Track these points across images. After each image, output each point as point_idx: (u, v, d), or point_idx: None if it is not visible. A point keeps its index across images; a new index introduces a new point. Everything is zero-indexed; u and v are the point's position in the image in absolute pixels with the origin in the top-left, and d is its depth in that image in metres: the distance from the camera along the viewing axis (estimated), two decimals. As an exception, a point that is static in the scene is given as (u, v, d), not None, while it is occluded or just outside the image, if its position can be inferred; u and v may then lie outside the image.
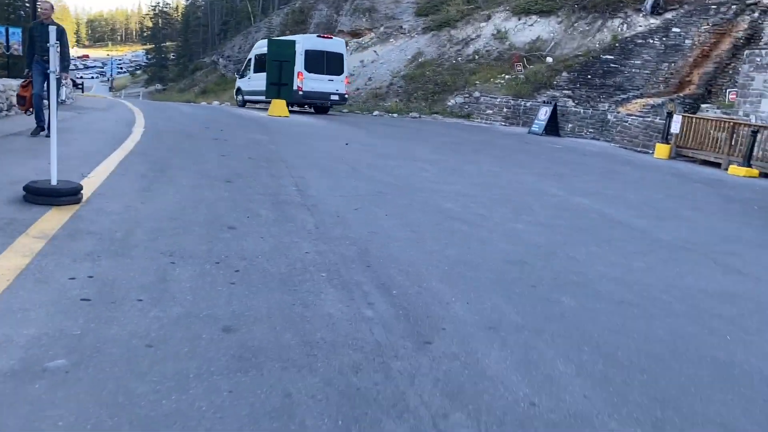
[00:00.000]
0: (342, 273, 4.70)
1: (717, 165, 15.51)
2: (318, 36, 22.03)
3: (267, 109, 20.23)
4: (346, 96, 22.59)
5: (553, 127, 20.39)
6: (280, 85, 19.48)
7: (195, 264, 4.56)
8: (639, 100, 23.01)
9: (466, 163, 12.07)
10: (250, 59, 24.61)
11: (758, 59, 16.52)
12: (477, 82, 25.99)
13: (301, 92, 20.66)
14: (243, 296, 4.04)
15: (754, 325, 4.43)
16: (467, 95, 25.69)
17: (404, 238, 5.89)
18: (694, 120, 16.51)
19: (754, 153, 14.40)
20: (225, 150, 10.44)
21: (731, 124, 15.29)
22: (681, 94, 22.51)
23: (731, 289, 5.23)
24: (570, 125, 20.88)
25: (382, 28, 35.75)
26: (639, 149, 17.94)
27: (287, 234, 5.62)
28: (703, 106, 18.43)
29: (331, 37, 23.43)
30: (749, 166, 14.22)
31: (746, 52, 17.19)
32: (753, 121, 16.44)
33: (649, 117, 18.18)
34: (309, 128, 16.31)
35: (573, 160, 14.56)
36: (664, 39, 24.37)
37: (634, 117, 18.45)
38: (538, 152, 15.46)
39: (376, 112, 25.83)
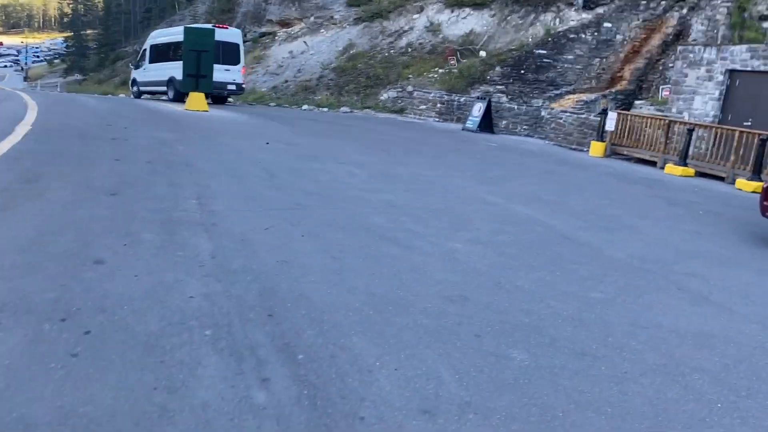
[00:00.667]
0: (234, 329, 3.60)
1: (653, 163, 15.17)
2: (213, 26, 20.85)
3: (185, 103, 18.67)
4: (243, 86, 22.34)
5: (487, 124, 19.75)
6: (198, 77, 17.95)
7: (29, 324, 3.36)
8: (571, 96, 22.68)
9: (398, 165, 11.09)
10: (145, 50, 23.77)
11: (691, 55, 16.29)
12: (410, 75, 25.13)
13: None
14: (83, 379, 2.89)
15: (743, 383, 3.61)
16: (400, 89, 24.79)
17: (322, 269, 4.83)
18: (629, 117, 16.15)
19: (690, 151, 14.07)
20: (121, 152, 9.05)
21: (666, 121, 14.96)
22: (613, 90, 22.31)
23: (705, 329, 4.43)
24: (504, 122, 20.31)
25: (312, 18, 34.35)
26: (574, 147, 17.49)
27: (172, 268, 4.46)
28: (636, 102, 18.18)
29: (227, 27, 23.02)
30: (685, 165, 13.89)
31: (679, 47, 16.97)
32: (686, 119, 16.22)
33: (583, 114, 17.76)
34: (228, 125, 14.96)
35: (509, 160, 13.85)
36: (595, 34, 24.16)
37: (568, 114, 18.00)
38: (474, 152, 14.68)
39: (305, 106, 24.56)
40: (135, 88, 24.58)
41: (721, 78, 15.49)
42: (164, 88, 21.87)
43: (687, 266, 6.06)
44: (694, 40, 21.61)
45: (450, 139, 17.02)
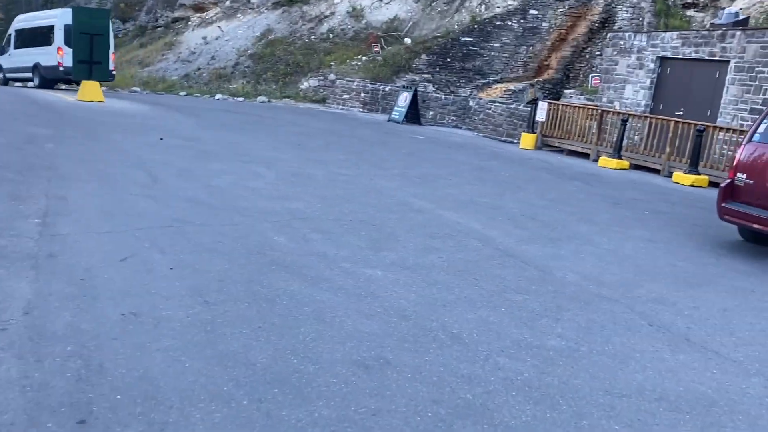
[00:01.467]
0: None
1: (585, 155, 14.44)
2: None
3: (77, 91, 16.57)
4: (113, 72, 19.77)
5: (414, 115, 18.63)
6: (91, 64, 15.90)
7: None
8: (499, 85, 21.90)
9: (315, 163, 9.73)
10: (10, 34, 22.33)
11: (621, 42, 15.66)
12: (332, 63, 23.69)
13: (62, 68, 19.01)
14: None
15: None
16: (322, 78, 23.32)
17: (185, 325, 3.45)
18: (560, 107, 15.38)
19: (624, 143, 13.38)
20: (-37, 154, 7.28)
21: (599, 111, 14.24)
22: (540, 79, 21.68)
23: (699, 390, 3.35)
24: (431, 112, 19.24)
25: (228, 2, 32.23)
26: (504, 138, 16.60)
27: (-53, 341, 2.98)
28: (566, 91, 17.49)
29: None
30: (620, 157, 13.19)
31: (609, 34, 16.34)
32: (617, 108, 15.60)
33: (512, 104, 16.89)
34: (121, 118, 13.13)
35: (438, 154, 12.73)
36: (522, 21, 23.47)
37: (497, 104, 17.09)
38: (400, 145, 13.49)
39: (218, 96, 22.70)
40: (1, 75, 22.61)
41: (652, 66, 14.91)
42: (29, 75, 20.67)
43: (651, 290, 5.03)
44: (620, 27, 21.21)
45: (374, 131, 15.76)
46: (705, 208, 9.46)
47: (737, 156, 6.89)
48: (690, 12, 19.62)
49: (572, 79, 21.66)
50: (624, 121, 13.18)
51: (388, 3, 25.77)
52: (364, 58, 23.64)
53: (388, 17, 25.39)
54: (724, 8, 18.67)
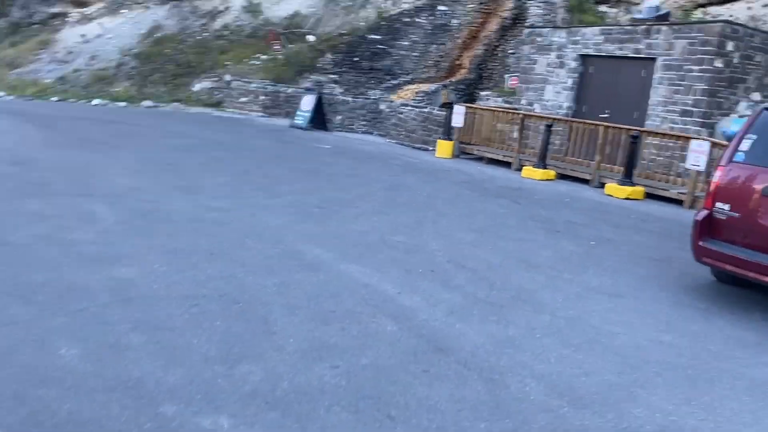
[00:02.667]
0: None
1: (507, 164, 12.93)
2: None
3: None
4: None
5: (319, 120, 16.63)
6: None
7: None
8: (411, 87, 20.23)
9: (181, 192, 7.55)
10: None
11: (540, 39, 14.29)
12: (228, 63, 21.26)
13: None
14: None
15: None
16: (217, 79, 20.86)
17: None
18: (477, 111, 13.80)
19: (549, 151, 11.94)
20: None
21: (520, 116, 12.75)
22: (453, 80, 20.20)
23: None
24: (339, 117, 17.28)
25: (112, -3, 28.92)
26: (418, 146, 14.90)
27: None
28: (482, 93, 16.02)
29: None
30: (545, 166, 11.74)
31: (526, 30, 14.95)
32: (538, 111, 14.22)
33: (425, 108, 15.22)
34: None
35: (344, 169, 10.80)
36: (431, 18, 21.92)
37: (410, 108, 15.37)
38: (299, 159, 11.46)
39: (96, 101, 19.73)
40: None
41: (573, 64, 13.61)
42: None
43: (649, 403, 3.30)
44: (532, 24, 20.05)
45: (272, 140, 13.62)
46: (654, 231, 8.03)
47: (715, 180, 5.36)
48: (603, 8, 18.67)
49: (486, 79, 20.32)
50: (548, 127, 11.74)
51: (288, -2, 23.54)
52: (263, 57, 21.36)
53: (288, 13, 23.18)
54: (637, 3, 17.82)
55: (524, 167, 12.08)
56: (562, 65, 13.82)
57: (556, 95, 13.94)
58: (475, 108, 13.83)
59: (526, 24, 20.26)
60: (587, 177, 11.54)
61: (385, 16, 22.06)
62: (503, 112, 13.27)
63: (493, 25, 20.93)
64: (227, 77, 20.31)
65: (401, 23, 21.87)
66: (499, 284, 5.10)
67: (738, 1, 14.59)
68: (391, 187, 9.33)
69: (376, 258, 5.48)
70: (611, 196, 10.52)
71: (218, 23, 23.49)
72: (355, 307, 4.25)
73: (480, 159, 13.68)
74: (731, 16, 14.42)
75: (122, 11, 27.71)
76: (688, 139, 10.31)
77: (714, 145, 9.93)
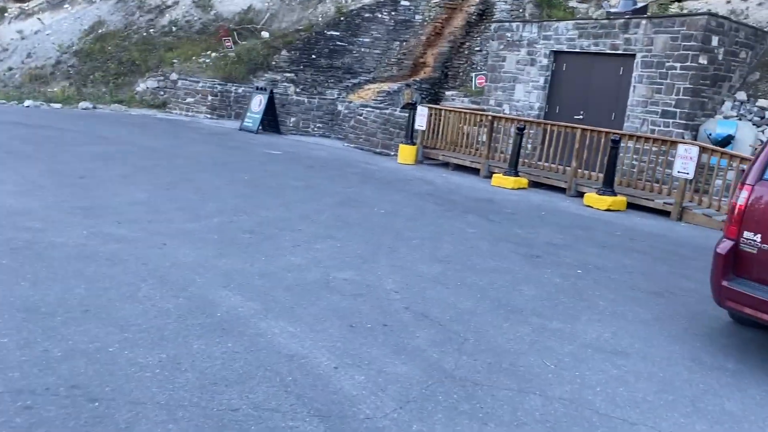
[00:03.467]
0: None
1: (475, 171, 11.78)
2: None
3: None
4: None
5: (271, 122, 15.25)
6: None
7: None
8: (372, 86, 18.98)
9: (79, 214, 6.14)
10: None
11: (509, 35, 13.17)
12: (175, 60, 19.69)
13: None
14: None
15: None
16: (162, 78, 19.27)
17: None
18: (442, 113, 12.60)
19: (521, 156, 10.81)
20: None
21: (489, 118, 11.58)
22: (417, 79, 19.00)
23: None
24: (293, 119, 15.90)
25: (54, -9, 26.96)
26: (379, 150, 13.64)
27: None
28: (447, 93, 14.83)
29: None
30: (516, 174, 10.60)
31: (494, 25, 13.79)
32: (507, 112, 13.11)
33: (387, 108, 13.96)
34: None
35: (292, 179, 9.48)
36: (393, 13, 20.70)
37: (370, 109, 14.09)
38: (243, 166, 10.09)
39: (28, 102, 17.92)
40: None
41: (545, 61, 12.52)
42: None
43: None
44: (500, 19, 19.00)
45: (216, 145, 12.20)
46: (645, 252, 6.92)
47: (740, 203, 4.22)
48: (573, 3, 17.70)
49: (452, 78, 19.18)
50: (520, 130, 10.60)
51: (241, -9, 22.02)
52: (214, 54, 19.84)
53: (241, 8, 21.67)
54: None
55: (494, 175, 10.93)
56: (533, 63, 12.72)
57: (526, 95, 12.83)
58: (440, 109, 12.64)
59: (493, 19, 19.22)
60: (563, 185, 10.45)
61: (345, 11, 20.76)
62: (470, 113, 12.09)
63: (459, 20, 19.80)
64: (173, 76, 18.74)
65: (362, 19, 20.61)
66: (471, 345, 3.87)
67: (715, -5, 13.69)
68: (343, 201, 8.04)
69: (312, 308, 4.20)
70: (590, 207, 9.43)
71: (166, 19, 21.84)
72: (269, 401, 2.96)
73: (446, 165, 12.50)
74: (709, 11, 13.52)
75: (65, 6, 25.82)
76: (674, 143, 9.28)
77: (704, 150, 8.90)
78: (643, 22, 10.96)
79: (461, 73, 19.00)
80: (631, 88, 11.16)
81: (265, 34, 20.57)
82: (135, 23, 22.18)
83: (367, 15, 20.66)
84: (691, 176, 8.77)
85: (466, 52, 19.14)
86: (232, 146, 12.36)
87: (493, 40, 13.58)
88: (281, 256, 5.37)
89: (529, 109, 12.74)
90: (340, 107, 15.79)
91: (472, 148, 12.11)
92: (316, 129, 15.84)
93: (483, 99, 13.83)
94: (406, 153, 12.40)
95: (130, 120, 15.34)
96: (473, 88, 14.48)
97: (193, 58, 19.74)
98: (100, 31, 22.17)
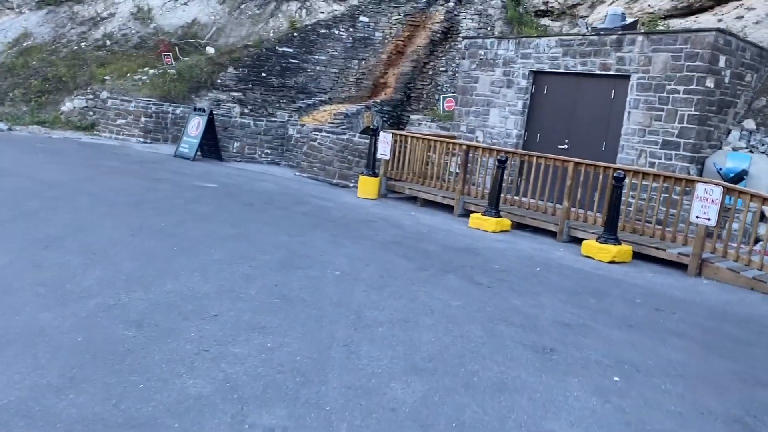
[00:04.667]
0: None
1: (448, 208, 9.98)
2: None
3: None
4: None
5: (212, 148, 13.20)
6: None
7: None
8: (328, 107, 17.13)
9: None
10: None
11: (482, 52, 11.49)
12: (108, 77, 17.45)
13: None
14: None
15: None
16: (92, 96, 17.01)
17: None
18: (409, 140, 10.78)
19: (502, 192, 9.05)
20: None
21: (464, 147, 9.79)
22: (378, 100, 17.25)
23: None
24: (237, 143, 13.84)
25: (-19, 0, 24.35)
26: (336, 182, 11.74)
27: None
28: (412, 117, 13.02)
29: None
30: (498, 213, 8.83)
31: (465, 41, 12.08)
32: (480, 139, 11.40)
33: (344, 134, 12.06)
34: None
35: (221, 224, 7.47)
36: (351, 30, 18.95)
37: (325, 134, 12.17)
38: (163, 207, 8.03)
39: (-72, 123, 15.41)
40: None
41: (524, 83, 10.87)
42: None
43: None
44: (466, 37, 17.44)
45: (140, 177, 10.07)
46: (688, 335, 5.16)
47: None
48: (544, 21, 16.27)
49: (415, 99, 17.49)
50: (502, 163, 8.85)
51: (185, 3, 19.96)
52: (151, 71, 17.66)
53: (185, 21, 19.59)
54: (584, 16, 15.49)
55: (472, 214, 9.12)
56: (509, 84, 11.07)
57: (503, 120, 11.15)
58: (406, 135, 10.82)
59: (459, 38, 17.65)
60: (552, 228, 8.71)
61: (299, 27, 18.93)
62: (440, 141, 10.30)
63: (422, 39, 18.18)
64: (104, 94, 16.49)
65: (317, 35, 18.80)
66: None
67: (704, 13, 12.36)
68: (285, 260, 6.07)
69: None
70: (590, 257, 7.70)
71: (100, 32, 19.57)
72: None
73: (413, 199, 10.67)
74: (718, 27, 12.17)
75: (-10, 17, 23.18)
76: (690, 182, 7.64)
77: (727, 191, 7.29)
78: (640, 38, 9.41)
79: (425, 95, 17.34)
80: (626, 115, 9.57)
81: (210, 50, 18.53)
82: (65, 36, 19.83)
83: (322, 31, 18.87)
84: (713, 223, 7.14)
85: (431, 73, 17.51)
86: (158, 178, 10.25)
87: (463, 59, 11.89)
88: (172, 378, 3.37)
89: (506, 137, 11.05)
90: (291, 131, 13.85)
91: (443, 180, 10.32)
92: (263, 155, 13.83)
93: (453, 124, 12.09)
94: (368, 186, 10.52)
95: (47, 145, 13.05)
96: (441, 112, 12.75)
97: (128, 74, 17.52)
98: (25, 44, 19.73)
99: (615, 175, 7.69)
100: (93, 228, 6.48)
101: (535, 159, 8.91)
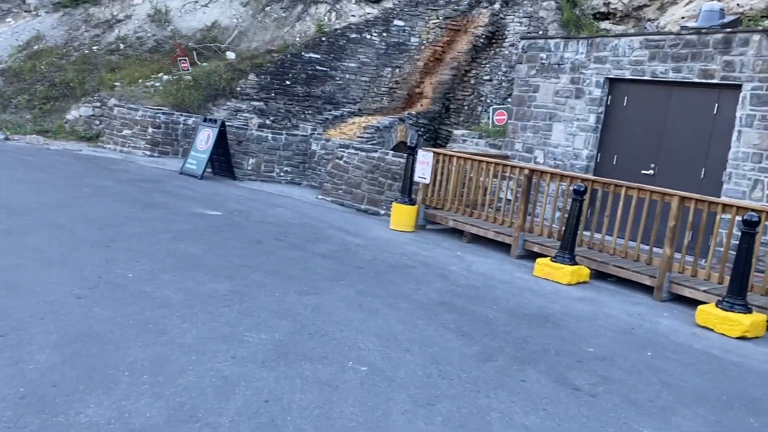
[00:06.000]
0: None
1: (503, 247, 7.95)
2: None
3: None
4: None
5: (223, 164, 11.42)
6: None
7: None
8: (357, 119, 15.26)
9: None
10: None
11: (544, 56, 9.47)
12: (118, 83, 15.89)
13: None
14: None
15: None
16: (99, 104, 15.45)
17: None
18: (453, 160, 8.76)
19: (554, 220, 6.97)
20: None
21: (526, 172, 7.74)
22: (413, 112, 15.32)
23: None
24: (253, 160, 11.96)
25: (-1, 3, 23.19)
26: (364, 207, 9.80)
27: None
28: (457, 132, 10.95)
29: None
30: (573, 259, 6.76)
31: (523, 42, 10.04)
32: (540, 160, 9.37)
33: (375, 151, 10.11)
34: None
35: (214, 271, 5.58)
36: (384, 35, 17.10)
37: (353, 151, 10.24)
38: (139, 248, 6.19)
39: None
40: None
41: (597, 93, 8.81)
42: None
43: None
44: (512, 44, 15.46)
45: (129, 201, 8.26)
46: None
47: None
48: (605, 24, 14.19)
49: (454, 112, 15.51)
50: (579, 194, 6.79)
51: (206, 5, 18.34)
52: (166, 77, 16.03)
53: (204, 23, 17.95)
54: (652, 19, 13.35)
55: (538, 260, 7.07)
56: (578, 94, 9.02)
57: (569, 138, 9.10)
58: (450, 155, 8.81)
59: (505, 43, 15.67)
60: (646, 281, 6.61)
61: (327, 31, 17.15)
62: (492, 163, 8.26)
63: (463, 44, 16.22)
64: (112, 101, 14.87)
65: (347, 40, 17.00)
66: None
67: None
68: (287, 344, 4.12)
69: None
70: (710, 329, 5.59)
71: (114, 35, 18.04)
72: None
73: (456, 232, 8.67)
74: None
75: (8, 20, 21.95)
76: None
77: None
78: (756, 37, 7.29)
79: (466, 107, 15.35)
80: (735, 134, 7.45)
81: (230, 55, 16.83)
82: (77, 39, 18.34)
83: (353, 36, 17.06)
84: None
85: (473, 81, 15.52)
86: (152, 203, 8.43)
87: (520, 63, 9.87)
88: None
89: (572, 158, 9.00)
90: (314, 146, 11.97)
91: (495, 210, 8.28)
92: (282, 174, 11.97)
93: (505, 142, 10.06)
94: (403, 215, 8.55)
95: (37, 158, 11.39)
96: (490, 127, 10.72)
97: (140, 80, 15.90)
98: (35, 47, 18.30)
99: (745, 218, 5.57)
100: (28, 284, 4.63)
101: (624, 190, 6.81)
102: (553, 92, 9.29)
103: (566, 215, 6.96)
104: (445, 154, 8.79)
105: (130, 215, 7.44)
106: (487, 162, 8.35)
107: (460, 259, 7.37)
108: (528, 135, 9.60)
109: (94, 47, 17.70)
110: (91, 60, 17.07)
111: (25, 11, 22.00)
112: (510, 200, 8.26)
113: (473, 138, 10.52)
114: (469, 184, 8.59)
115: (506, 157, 9.69)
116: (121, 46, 17.51)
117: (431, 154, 8.70)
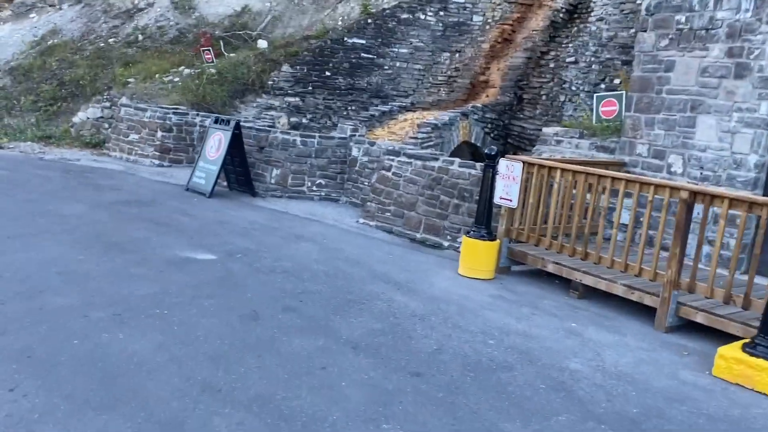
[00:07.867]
0: None
1: (636, 307, 5.07)
2: None
3: None
4: None
5: (241, 176, 8.90)
6: None
7: None
8: (410, 116, 12.50)
9: None
10: None
11: (681, 18, 6.48)
12: (131, 79, 13.67)
13: None
14: None
15: None
16: (109, 104, 13.27)
17: None
18: (548, 172, 5.89)
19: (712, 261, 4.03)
20: None
21: (685, 196, 4.85)
22: (478, 105, 12.44)
23: None
24: (277, 170, 9.25)
25: (25, -1, 21.56)
26: (420, 237, 7.08)
27: None
28: (547, 131, 7.90)
29: None
30: (757, 353, 3.86)
31: (647, 2, 6.98)
32: (678, 169, 6.39)
33: (436, 160, 7.29)
34: None
35: (188, 379, 2.98)
36: (441, 14, 14.25)
37: (405, 158, 7.46)
38: (46, 347, 3.67)
39: None
40: None
41: (776, 69, 5.77)
42: None
43: None
44: (602, 18, 12.39)
45: (90, 240, 5.79)
46: None
47: None
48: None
49: (528, 103, 12.55)
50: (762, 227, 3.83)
51: (235, -12, 15.92)
52: (187, 71, 13.69)
53: (233, 9, 15.55)
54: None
55: (722, 355, 4.16)
56: (740, 73, 5.99)
57: (724, 138, 6.09)
58: (546, 166, 5.92)
59: (590, 18, 12.59)
60: None
61: (374, 12, 14.44)
62: (624, 179, 5.35)
63: (538, 21, 13.24)
64: (123, 100, 12.61)
65: (397, 21, 14.28)
66: None
67: None
68: None
69: None
70: None
71: (133, 25, 15.85)
72: None
73: (556, 278, 5.83)
74: None
75: (31, 15, 20.20)
76: None
77: None
78: None
79: (544, 96, 12.38)
80: None
81: (262, 43, 14.34)
82: (94, 31, 16.26)
83: (404, 16, 14.32)
84: None
85: (552, 65, 12.51)
86: (120, 242, 5.92)
87: (644, 31, 6.86)
88: None
89: (731, 167, 5.99)
90: (355, 152, 9.29)
91: (618, 248, 5.38)
92: (315, 188, 9.33)
93: (621, 143, 7.08)
94: (479, 256, 5.76)
95: (14, 172, 9.15)
96: (594, 122, 7.74)
97: (157, 75, 13.59)
98: (49, 42, 16.32)
99: None
100: None
101: None
102: (697, 70, 6.28)
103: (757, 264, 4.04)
104: (541, 165, 5.93)
105: (70, 268, 4.94)
106: (603, 176, 5.43)
107: (580, 339, 4.54)
108: (657, 133, 6.63)
109: (111, 39, 15.54)
110: (106, 54, 14.91)
111: (50, 5, 20.16)
112: (670, 248, 5.35)
113: (571, 137, 7.57)
114: (580, 208, 5.72)
115: (623, 165, 6.77)
116: (140, 37, 15.27)
117: (520, 164, 5.86)
